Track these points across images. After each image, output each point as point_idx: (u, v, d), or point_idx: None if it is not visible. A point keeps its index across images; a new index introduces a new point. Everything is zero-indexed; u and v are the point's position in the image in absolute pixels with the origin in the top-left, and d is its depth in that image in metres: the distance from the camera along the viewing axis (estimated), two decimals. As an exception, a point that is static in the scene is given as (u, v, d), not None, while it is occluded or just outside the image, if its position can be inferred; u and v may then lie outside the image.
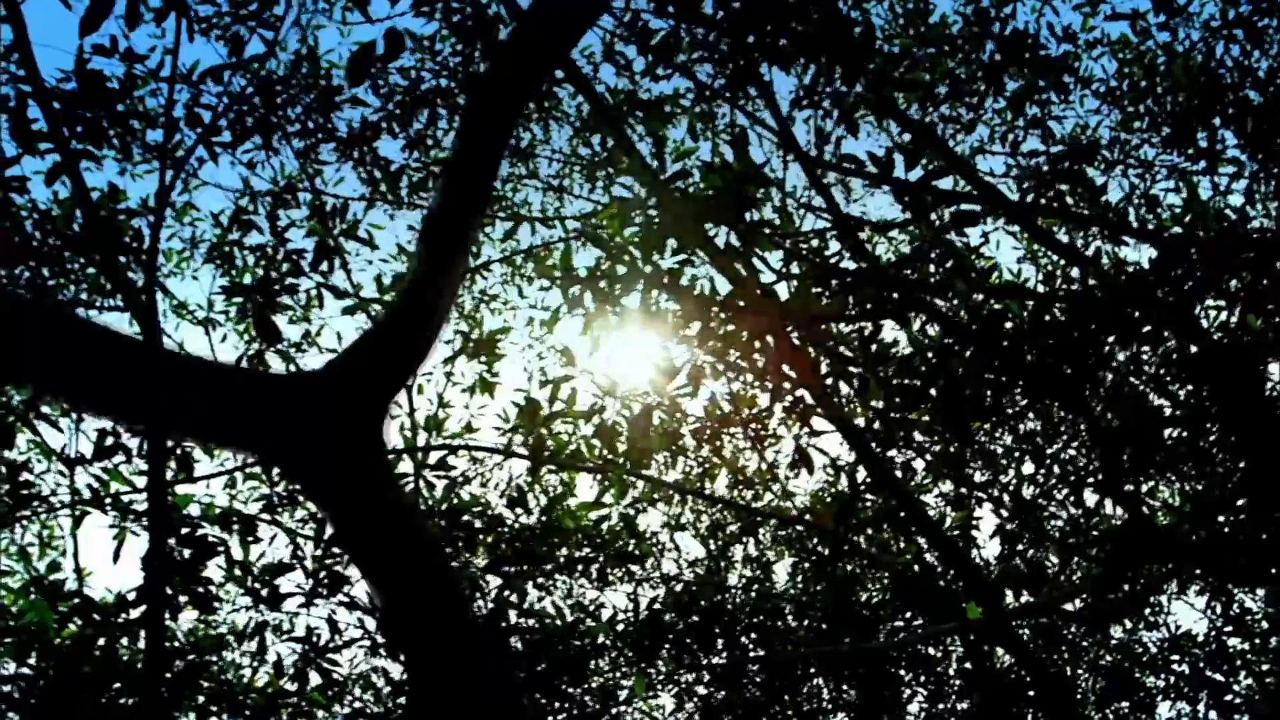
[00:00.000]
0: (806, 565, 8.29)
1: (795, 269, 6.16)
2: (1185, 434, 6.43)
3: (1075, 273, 6.35)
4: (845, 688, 9.86)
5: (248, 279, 6.81)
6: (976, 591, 6.47)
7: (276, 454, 2.88)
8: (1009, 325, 5.86)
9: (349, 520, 2.85)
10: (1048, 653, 10.27)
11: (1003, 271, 6.20)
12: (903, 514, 6.83)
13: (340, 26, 6.96)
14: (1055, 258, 6.53)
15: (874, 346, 6.04)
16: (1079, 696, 10.30)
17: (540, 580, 6.80)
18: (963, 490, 7.29)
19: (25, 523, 6.17)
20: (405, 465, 6.30)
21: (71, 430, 6.60)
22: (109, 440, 6.42)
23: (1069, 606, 7.68)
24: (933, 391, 5.83)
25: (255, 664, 7.22)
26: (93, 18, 4.66)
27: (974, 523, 7.28)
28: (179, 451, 6.38)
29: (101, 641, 6.29)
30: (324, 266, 6.87)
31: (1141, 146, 7.15)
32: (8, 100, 6.17)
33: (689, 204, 5.62)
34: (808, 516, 7.58)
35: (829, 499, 7.41)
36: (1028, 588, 7.39)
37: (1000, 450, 7.45)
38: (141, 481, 6.84)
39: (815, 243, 6.25)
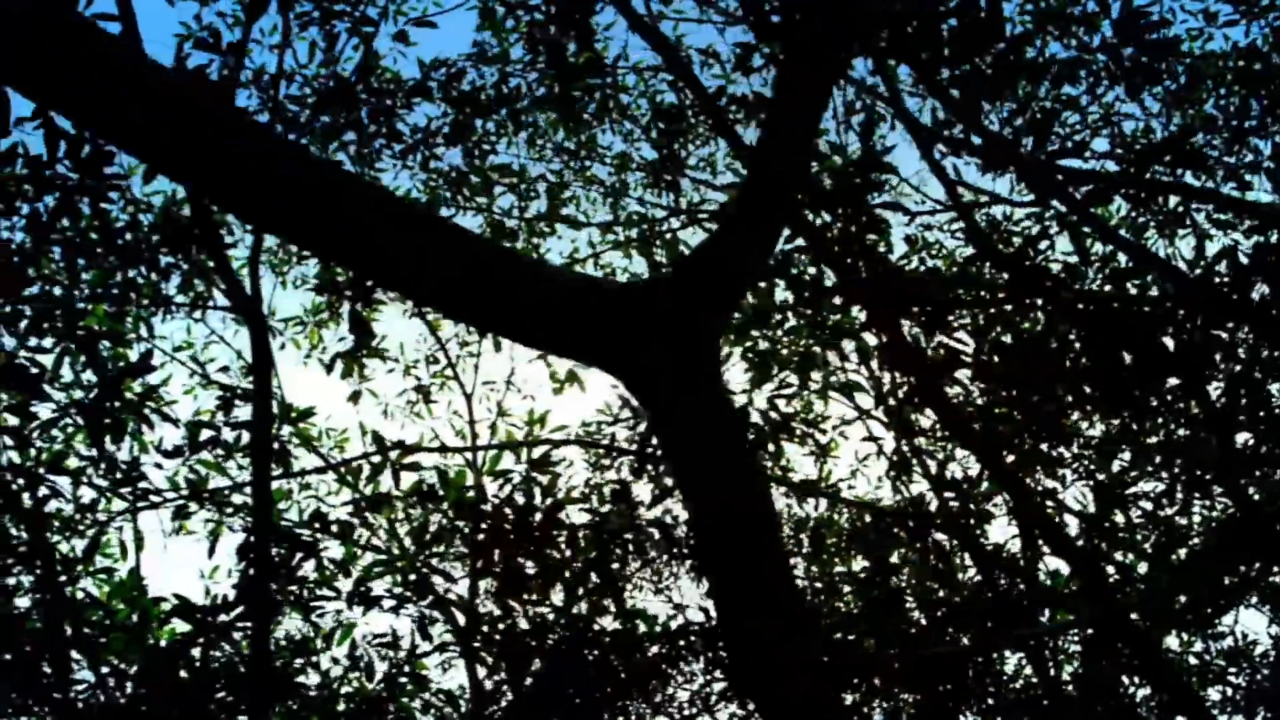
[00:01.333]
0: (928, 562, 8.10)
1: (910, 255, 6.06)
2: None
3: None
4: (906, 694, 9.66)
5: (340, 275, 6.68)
6: (1098, 590, 6.30)
7: (612, 357, 2.98)
8: (1136, 309, 5.72)
9: (675, 423, 2.90)
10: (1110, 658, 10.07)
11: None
12: (1017, 509, 6.66)
13: (393, 39, 6.83)
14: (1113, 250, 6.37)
15: (993, 333, 5.90)
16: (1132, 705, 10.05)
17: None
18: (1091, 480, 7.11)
19: (128, 518, 6.03)
20: (508, 461, 6.16)
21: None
22: (204, 433, 6.28)
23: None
24: (1063, 377, 5.68)
25: (346, 668, 7.05)
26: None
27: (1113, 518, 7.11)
28: (277, 446, 6.24)
29: (200, 643, 6.14)
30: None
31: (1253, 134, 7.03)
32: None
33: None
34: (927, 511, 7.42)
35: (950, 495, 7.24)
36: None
37: (1099, 438, 7.31)
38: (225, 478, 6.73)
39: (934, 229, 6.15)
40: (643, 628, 7.18)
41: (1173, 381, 6.18)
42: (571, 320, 2.94)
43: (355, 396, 8.40)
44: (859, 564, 8.05)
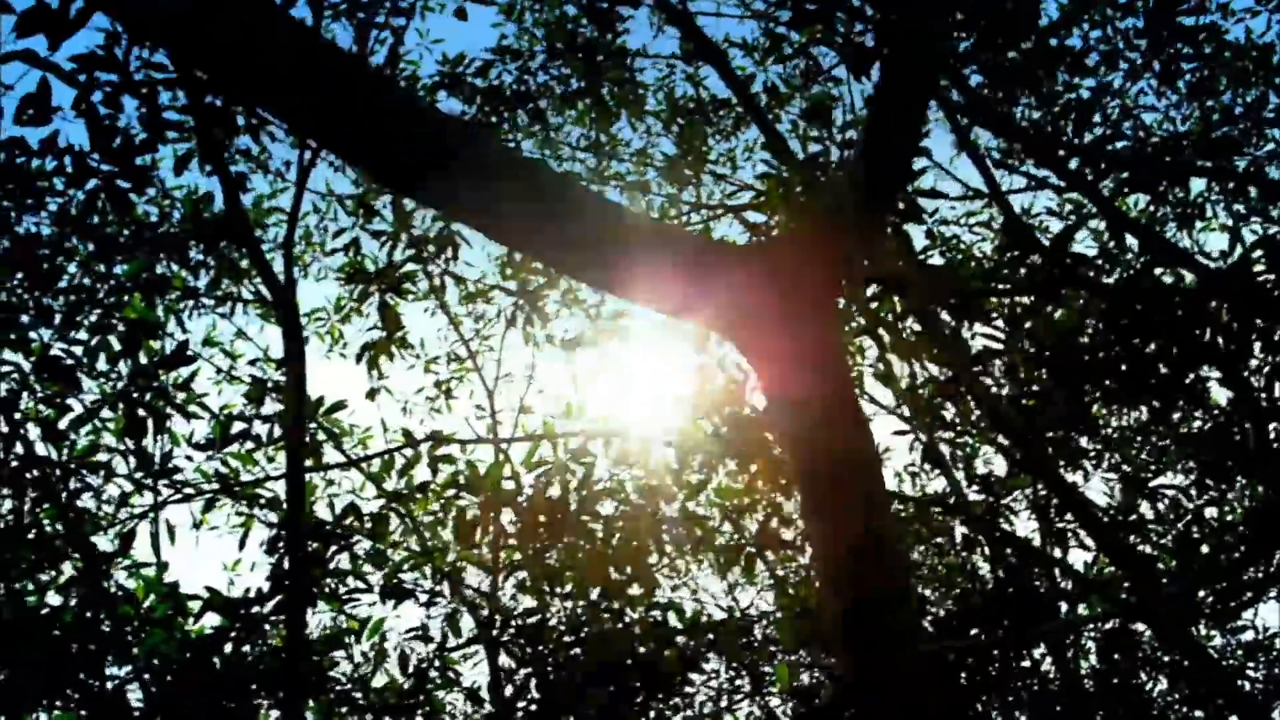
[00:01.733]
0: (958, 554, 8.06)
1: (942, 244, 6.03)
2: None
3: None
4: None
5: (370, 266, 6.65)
6: (1141, 580, 6.28)
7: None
8: (1169, 299, 5.71)
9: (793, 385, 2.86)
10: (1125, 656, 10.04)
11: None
12: (1054, 499, 6.64)
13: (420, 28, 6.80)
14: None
15: (1029, 323, 5.88)
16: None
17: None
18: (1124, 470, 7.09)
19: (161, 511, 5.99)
20: (545, 450, 6.11)
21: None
22: (236, 426, 6.25)
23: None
24: (1098, 367, 5.66)
25: (375, 662, 7.03)
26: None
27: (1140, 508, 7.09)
28: (308, 440, 6.21)
29: (233, 636, 6.10)
30: (447, 254, 6.73)
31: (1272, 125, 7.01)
32: (140, 87, 6.02)
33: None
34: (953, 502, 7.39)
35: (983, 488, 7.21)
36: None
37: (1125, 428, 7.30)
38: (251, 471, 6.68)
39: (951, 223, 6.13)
40: (673, 621, 7.16)
41: (1205, 372, 6.16)
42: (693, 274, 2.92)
43: (373, 394, 8.35)
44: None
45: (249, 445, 6.21)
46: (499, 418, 9.96)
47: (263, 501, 6.46)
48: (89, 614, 5.64)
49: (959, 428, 7.23)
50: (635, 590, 6.83)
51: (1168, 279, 5.78)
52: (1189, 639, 6.92)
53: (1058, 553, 10.47)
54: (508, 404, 13.36)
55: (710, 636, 7.37)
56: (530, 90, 8.65)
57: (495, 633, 7.05)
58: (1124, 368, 6.13)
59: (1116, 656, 9.97)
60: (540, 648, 7.05)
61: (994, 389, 6.27)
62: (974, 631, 9.10)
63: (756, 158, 9.76)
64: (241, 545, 6.38)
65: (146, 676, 5.84)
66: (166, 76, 6.00)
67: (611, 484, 6.34)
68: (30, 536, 5.39)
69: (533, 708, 7.11)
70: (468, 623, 7.06)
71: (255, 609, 6.23)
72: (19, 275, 5.26)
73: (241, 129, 6.26)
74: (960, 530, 10.39)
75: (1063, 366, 5.78)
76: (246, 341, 7.43)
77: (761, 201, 8.18)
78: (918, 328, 5.78)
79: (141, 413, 5.13)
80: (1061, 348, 5.76)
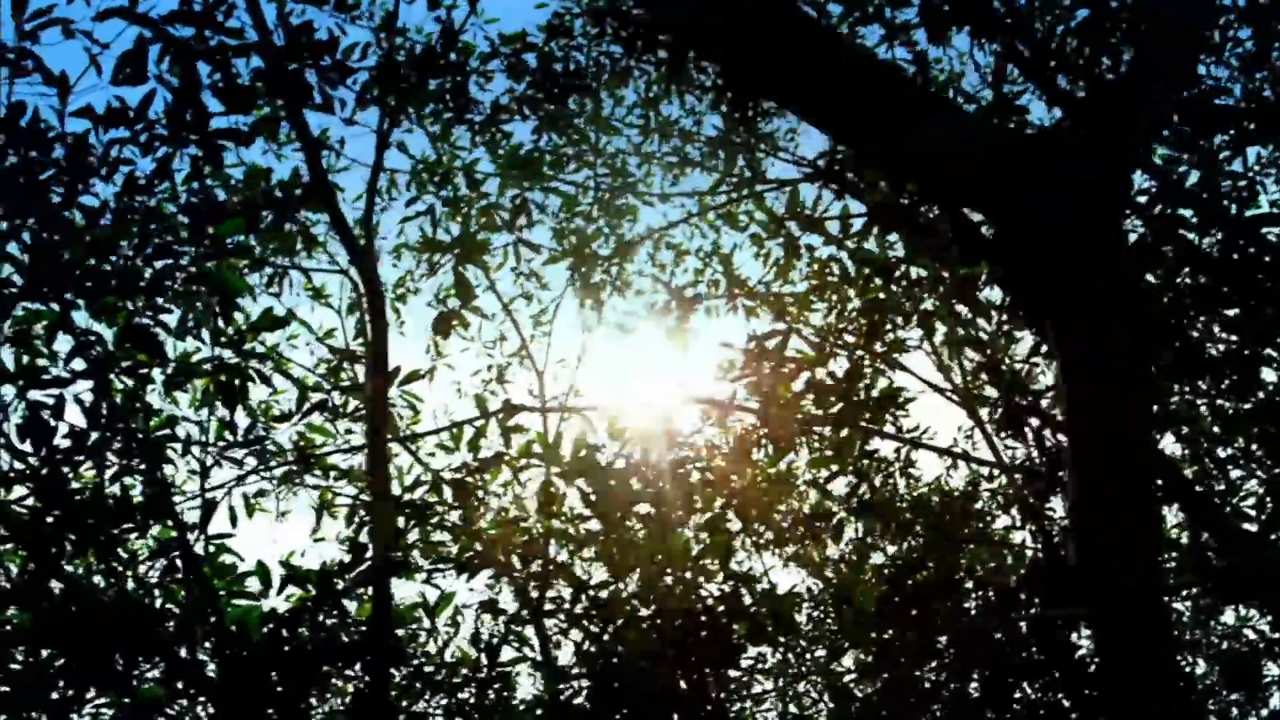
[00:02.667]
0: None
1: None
2: None
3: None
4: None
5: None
6: (1237, 556, 6.19)
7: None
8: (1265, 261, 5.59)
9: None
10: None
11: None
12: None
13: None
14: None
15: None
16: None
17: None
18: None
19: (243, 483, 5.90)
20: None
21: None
22: (310, 399, 6.15)
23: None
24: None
25: (449, 635, 6.95)
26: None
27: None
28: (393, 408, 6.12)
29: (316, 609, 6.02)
30: (521, 220, 6.63)
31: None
32: (214, 54, 5.90)
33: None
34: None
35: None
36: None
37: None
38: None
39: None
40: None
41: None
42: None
43: (430, 373, 8.25)
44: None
45: (326, 416, 6.12)
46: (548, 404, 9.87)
47: (336, 474, 6.39)
48: (176, 586, 5.58)
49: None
50: (710, 563, 6.77)
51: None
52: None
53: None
54: (559, 389, 13.25)
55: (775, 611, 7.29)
56: (581, 67, 8.51)
57: (568, 606, 6.99)
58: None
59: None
60: (611, 622, 6.99)
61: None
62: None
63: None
64: (319, 518, 6.30)
65: (228, 650, 5.76)
66: (240, 44, 5.91)
67: (690, 453, 6.26)
68: (116, 506, 5.30)
69: (600, 681, 7.06)
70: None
71: (336, 582, 6.17)
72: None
73: (313, 99, 6.18)
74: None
75: (1154, 327, 5.66)
76: (325, 311, 7.31)
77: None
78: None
79: (234, 380, 5.04)
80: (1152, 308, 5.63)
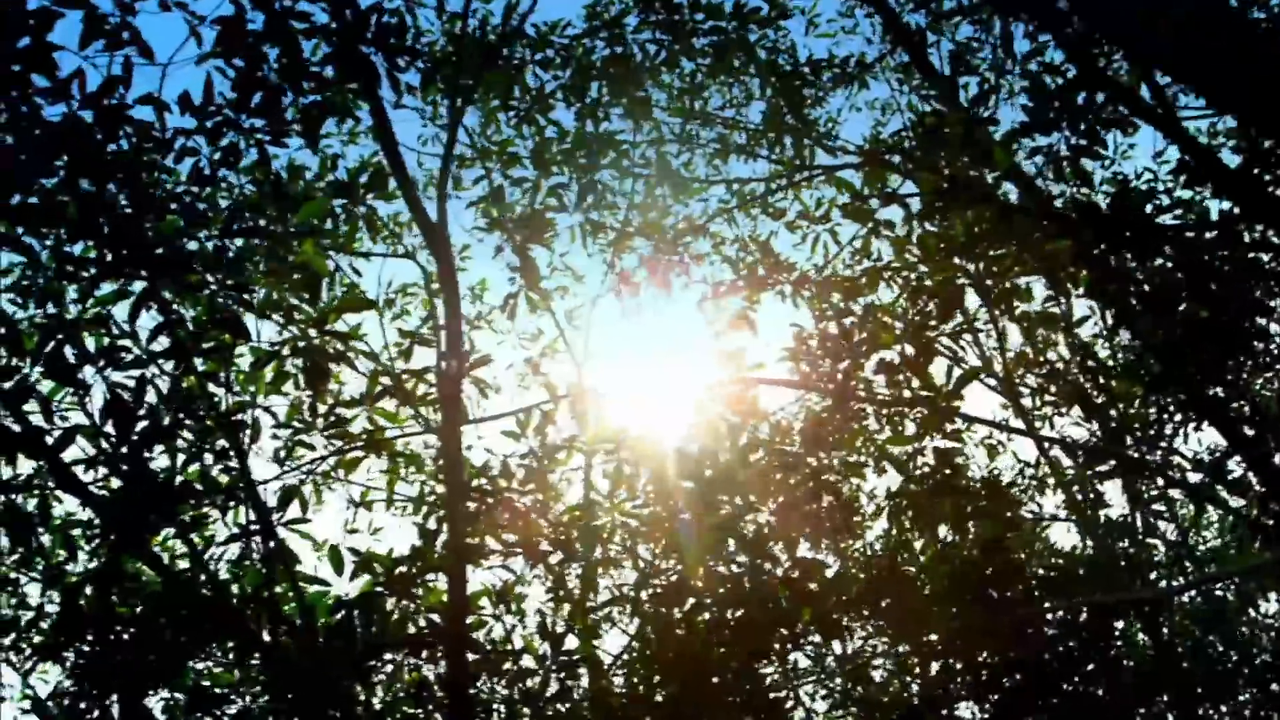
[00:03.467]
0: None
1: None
2: None
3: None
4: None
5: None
6: None
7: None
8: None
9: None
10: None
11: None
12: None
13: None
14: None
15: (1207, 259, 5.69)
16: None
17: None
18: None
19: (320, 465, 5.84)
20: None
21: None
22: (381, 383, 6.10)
23: None
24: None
25: (514, 623, 6.89)
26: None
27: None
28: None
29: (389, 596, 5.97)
30: (588, 200, 6.59)
31: None
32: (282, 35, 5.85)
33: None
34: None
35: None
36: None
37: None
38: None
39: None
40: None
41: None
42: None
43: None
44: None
45: (397, 401, 6.06)
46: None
47: (404, 457, 6.33)
48: (250, 569, 5.52)
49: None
50: (779, 550, 6.71)
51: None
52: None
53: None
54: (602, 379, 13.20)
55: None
56: (622, 55, 8.48)
57: (634, 593, 6.93)
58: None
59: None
60: (679, 608, 6.93)
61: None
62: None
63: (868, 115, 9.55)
64: (389, 503, 6.24)
65: (304, 635, 5.71)
66: (307, 26, 5.86)
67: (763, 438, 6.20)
68: (196, 489, 5.25)
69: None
70: (607, 583, 6.93)
71: (406, 568, 6.12)
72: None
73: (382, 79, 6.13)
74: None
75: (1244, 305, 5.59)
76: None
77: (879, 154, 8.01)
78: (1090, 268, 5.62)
79: (319, 362, 4.99)
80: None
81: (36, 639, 6.84)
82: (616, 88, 8.49)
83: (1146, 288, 5.82)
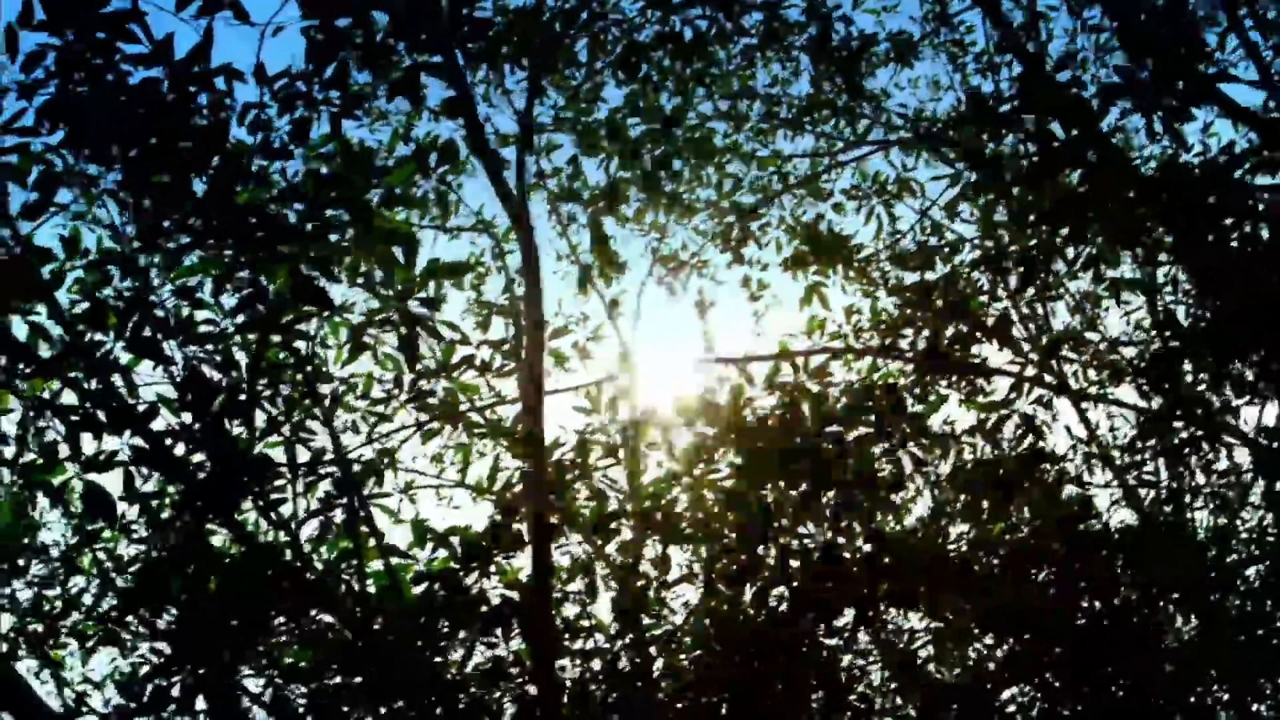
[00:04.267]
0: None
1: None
2: None
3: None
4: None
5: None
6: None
7: None
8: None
9: None
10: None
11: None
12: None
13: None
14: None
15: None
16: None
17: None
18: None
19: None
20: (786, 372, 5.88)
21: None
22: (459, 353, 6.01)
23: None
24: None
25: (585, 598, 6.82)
26: None
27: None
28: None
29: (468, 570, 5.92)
30: (663, 173, 6.49)
31: None
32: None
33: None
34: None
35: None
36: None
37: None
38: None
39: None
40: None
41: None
42: None
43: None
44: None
45: (474, 372, 5.99)
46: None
47: (480, 430, 6.25)
48: (335, 541, 5.48)
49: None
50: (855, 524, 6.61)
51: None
52: None
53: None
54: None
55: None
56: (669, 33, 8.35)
57: (705, 569, 6.85)
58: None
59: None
60: (751, 585, 6.85)
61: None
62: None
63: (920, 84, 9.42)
64: (463, 479, 6.19)
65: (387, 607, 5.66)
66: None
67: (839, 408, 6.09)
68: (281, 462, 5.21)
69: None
70: (680, 557, 6.85)
71: (486, 543, 6.05)
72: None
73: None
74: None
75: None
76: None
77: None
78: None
79: (412, 330, 4.91)
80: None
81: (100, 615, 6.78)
82: (667, 65, 8.37)
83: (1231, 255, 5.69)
